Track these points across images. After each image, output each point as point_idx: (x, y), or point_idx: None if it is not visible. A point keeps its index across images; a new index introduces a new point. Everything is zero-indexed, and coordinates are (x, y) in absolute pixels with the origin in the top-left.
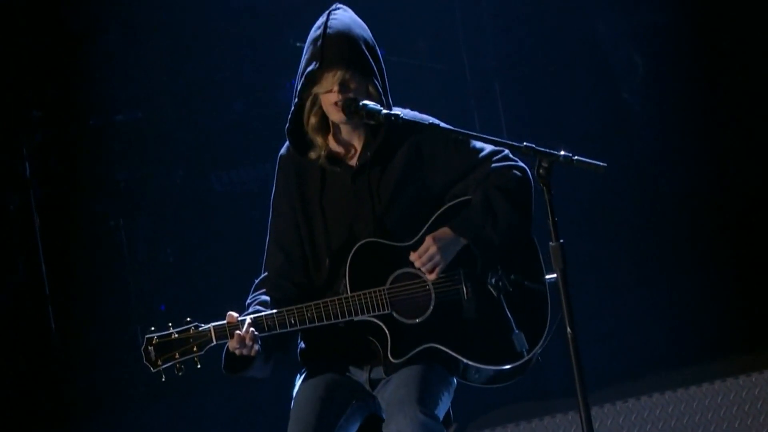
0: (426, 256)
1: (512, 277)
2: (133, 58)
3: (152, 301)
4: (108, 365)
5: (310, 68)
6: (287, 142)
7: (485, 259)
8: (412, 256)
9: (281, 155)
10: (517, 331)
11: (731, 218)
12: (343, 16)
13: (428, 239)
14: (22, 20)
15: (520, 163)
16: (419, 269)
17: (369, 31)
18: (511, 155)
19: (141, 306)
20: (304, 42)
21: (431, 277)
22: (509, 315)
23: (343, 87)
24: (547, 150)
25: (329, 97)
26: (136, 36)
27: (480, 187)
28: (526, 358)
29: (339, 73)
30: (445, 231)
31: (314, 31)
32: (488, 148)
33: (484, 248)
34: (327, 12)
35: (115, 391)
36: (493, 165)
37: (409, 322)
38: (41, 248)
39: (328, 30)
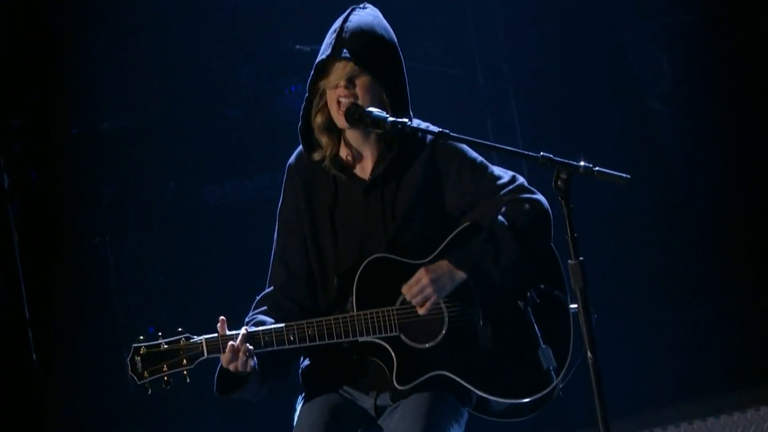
0: (417, 288)
1: (542, 286)
2: (119, 61)
3: (141, 324)
4: (93, 394)
5: (320, 58)
6: (297, 150)
7: (482, 295)
8: (404, 288)
9: (290, 164)
10: (544, 346)
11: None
12: (368, 14)
13: (421, 270)
14: None
15: (536, 195)
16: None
17: (394, 36)
18: (527, 185)
19: (128, 329)
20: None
21: (421, 311)
22: (537, 330)
23: (350, 83)
24: (566, 160)
25: (334, 93)
26: (123, 37)
27: (490, 221)
28: (546, 390)
29: (348, 67)
30: (441, 263)
31: (334, 24)
32: (505, 176)
33: (481, 283)
34: (352, 7)
35: (101, 422)
36: (506, 197)
37: (419, 346)
38: (20, 267)
39: (348, 22)
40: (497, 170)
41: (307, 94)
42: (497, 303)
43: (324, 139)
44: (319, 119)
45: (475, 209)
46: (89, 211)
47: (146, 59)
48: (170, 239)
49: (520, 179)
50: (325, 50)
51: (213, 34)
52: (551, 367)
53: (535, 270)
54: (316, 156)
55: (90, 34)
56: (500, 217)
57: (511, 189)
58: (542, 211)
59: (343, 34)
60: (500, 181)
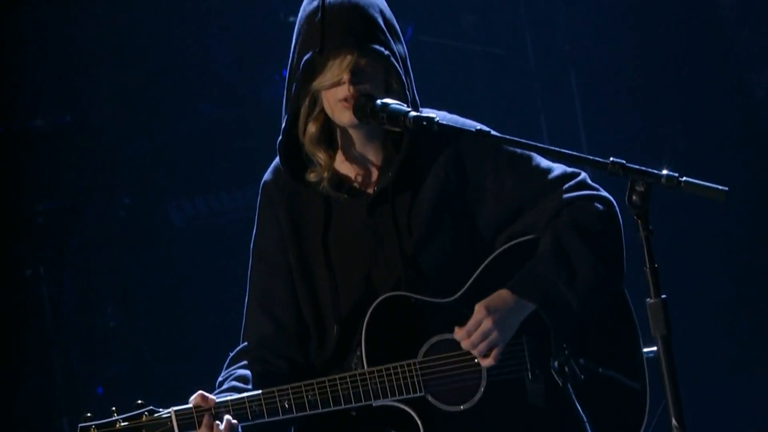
0: (478, 334)
1: (581, 361)
2: (59, 40)
3: (86, 382)
4: None
5: (307, 56)
6: (274, 163)
7: (560, 330)
8: (458, 334)
9: (266, 182)
10: None
11: None
12: None
13: (480, 309)
14: None
15: (603, 193)
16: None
17: (384, 0)
18: (589, 181)
19: (70, 388)
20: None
21: (486, 362)
22: (580, 412)
23: (357, 75)
24: (644, 168)
25: (337, 92)
26: (64, 9)
27: (549, 228)
28: None
29: (349, 57)
30: (501, 295)
31: (308, 4)
32: (557, 168)
33: (557, 315)
34: None
35: None
36: (566, 195)
37: (451, 409)
38: None
39: (328, 0)
40: (545, 162)
41: (285, 100)
42: (547, 352)
43: (321, 156)
44: (312, 130)
45: (524, 217)
46: (19, 235)
47: (94, 38)
48: (125, 271)
49: (581, 174)
50: (308, 45)
51: (180, 4)
52: None
53: (616, 286)
54: (312, 177)
55: (20, 5)
56: (565, 224)
57: (571, 185)
58: (614, 216)
59: (329, 15)
60: (552, 176)
